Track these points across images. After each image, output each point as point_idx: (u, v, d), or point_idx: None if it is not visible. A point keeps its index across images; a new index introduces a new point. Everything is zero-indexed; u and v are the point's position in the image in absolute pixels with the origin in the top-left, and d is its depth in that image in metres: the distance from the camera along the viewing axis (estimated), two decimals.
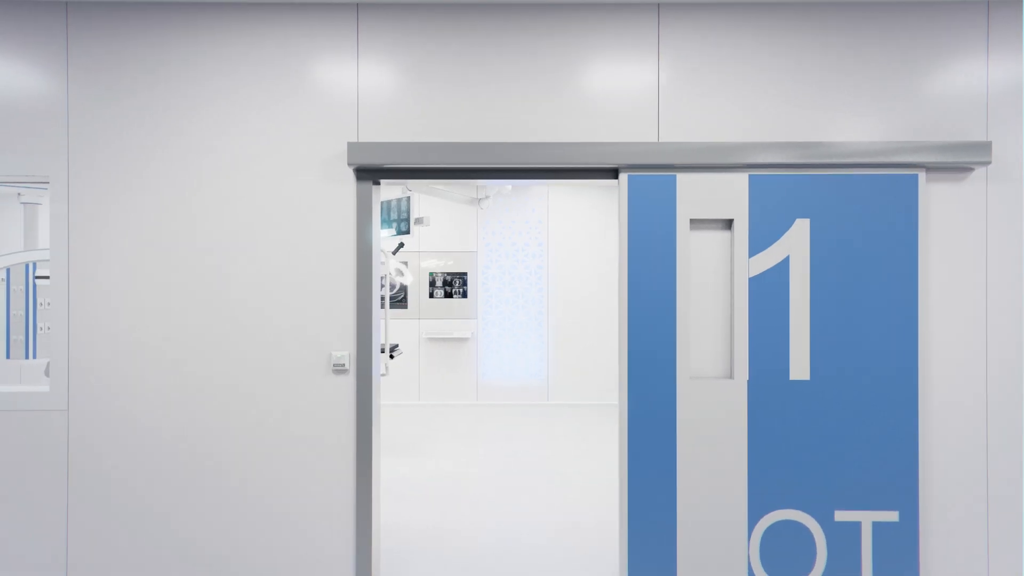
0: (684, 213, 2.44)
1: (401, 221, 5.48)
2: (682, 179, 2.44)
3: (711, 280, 2.48)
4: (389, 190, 5.77)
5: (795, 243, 2.44)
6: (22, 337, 5.16)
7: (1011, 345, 2.49)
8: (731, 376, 2.46)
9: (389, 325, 4.72)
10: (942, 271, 2.49)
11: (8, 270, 4.96)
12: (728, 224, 2.47)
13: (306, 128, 2.47)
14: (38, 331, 5.10)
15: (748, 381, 2.45)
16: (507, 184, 6.17)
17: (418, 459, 4.63)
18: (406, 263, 6.51)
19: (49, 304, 5.21)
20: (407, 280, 6.18)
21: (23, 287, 5.06)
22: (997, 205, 2.47)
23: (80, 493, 2.48)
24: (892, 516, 2.45)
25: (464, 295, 6.73)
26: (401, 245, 5.71)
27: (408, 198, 5.55)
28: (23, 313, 5.12)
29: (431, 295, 6.76)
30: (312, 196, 2.48)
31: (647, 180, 2.45)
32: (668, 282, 2.45)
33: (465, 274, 6.73)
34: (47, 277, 4.84)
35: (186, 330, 2.48)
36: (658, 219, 2.45)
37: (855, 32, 2.47)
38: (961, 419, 2.50)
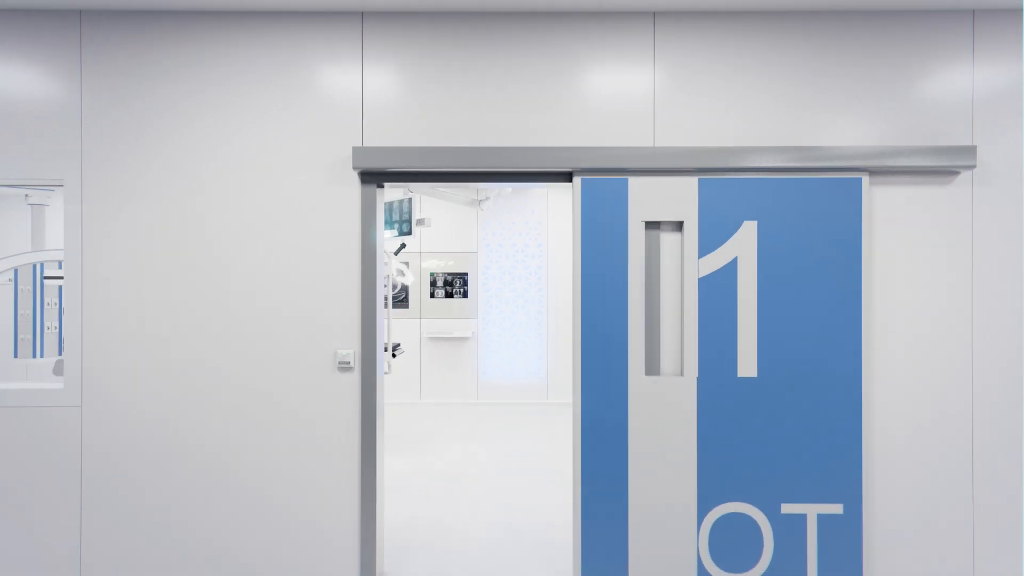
0: (636, 215, 2.52)
1: (403, 222, 5.56)
2: (633, 182, 2.52)
3: (663, 280, 2.55)
4: (391, 191, 5.85)
5: (743, 245, 2.51)
6: (29, 336, 5.23)
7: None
8: (681, 374, 2.54)
9: (391, 324, 4.79)
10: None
11: (16, 270, 5.03)
12: (679, 226, 2.55)
13: (313, 132, 2.55)
14: (45, 331, 5.17)
15: (697, 378, 2.52)
16: (507, 186, 6.25)
17: (420, 456, 4.70)
18: (407, 263, 6.59)
19: (53, 304, 5.27)
20: (408, 280, 6.26)
21: (31, 287, 5.13)
22: (983, 207, 2.54)
23: (93, 488, 2.55)
24: (836, 509, 2.52)
25: (465, 295, 6.81)
26: (403, 246, 5.79)
27: (410, 200, 5.63)
28: (30, 313, 5.19)
29: (432, 295, 6.84)
30: (318, 199, 2.55)
31: (600, 183, 2.52)
32: (620, 283, 2.52)
33: (466, 274, 6.81)
34: (55, 277, 4.92)
35: (195, 328, 2.55)
36: (611, 221, 2.53)
37: (844, 40, 2.55)
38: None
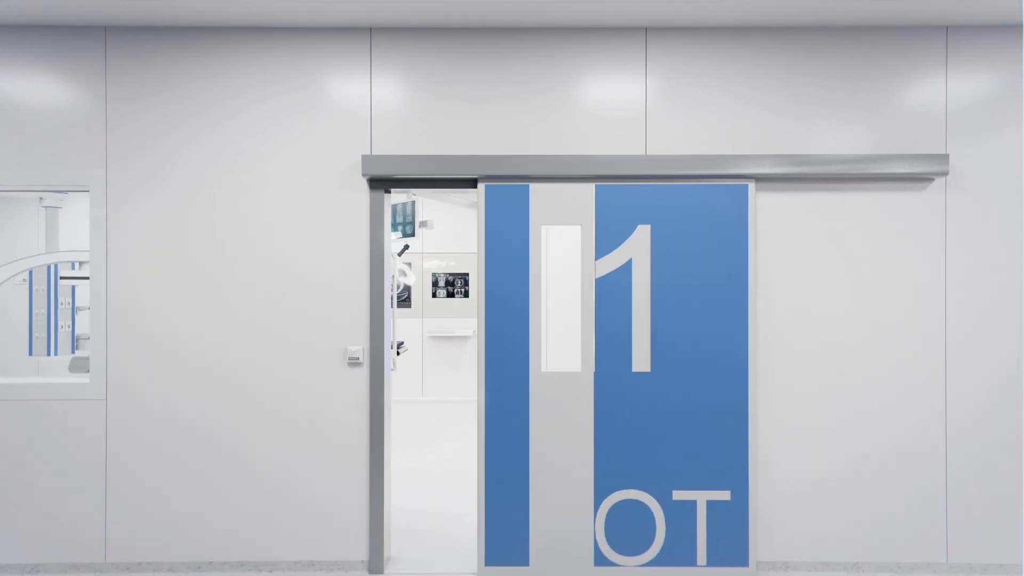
0: (536, 220, 2.68)
1: (407, 224, 5.71)
2: (534, 188, 2.67)
3: (562, 281, 2.70)
4: (395, 194, 6.00)
5: (637, 247, 2.66)
6: (43, 335, 5.38)
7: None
8: (579, 369, 2.69)
9: (395, 323, 4.93)
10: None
11: (31, 271, 5.19)
12: (578, 230, 2.69)
13: (324, 141, 2.70)
14: (59, 329, 5.33)
15: (595, 373, 2.68)
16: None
17: (422, 451, 4.85)
18: (409, 264, 6.75)
19: (66, 303, 5.43)
20: (410, 280, 6.42)
21: (45, 287, 5.28)
22: (956, 212, 2.69)
23: (116, 476, 2.70)
24: (724, 495, 2.66)
25: (466, 295, 6.96)
26: (406, 247, 5.94)
27: (413, 202, 5.78)
28: (44, 312, 5.35)
29: (434, 295, 6.99)
30: (329, 204, 2.70)
31: (503, 189, 2.68)
32: (522, 284, 2.68)
33: (467, 274, 6.96)
34: (72, 277, 5.07)
35: (212, 326, 2.70)
36: (513, 225, 2.68)
37: (824, 54, 2.70)
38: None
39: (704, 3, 2.48)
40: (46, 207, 5.06)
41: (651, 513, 2.67)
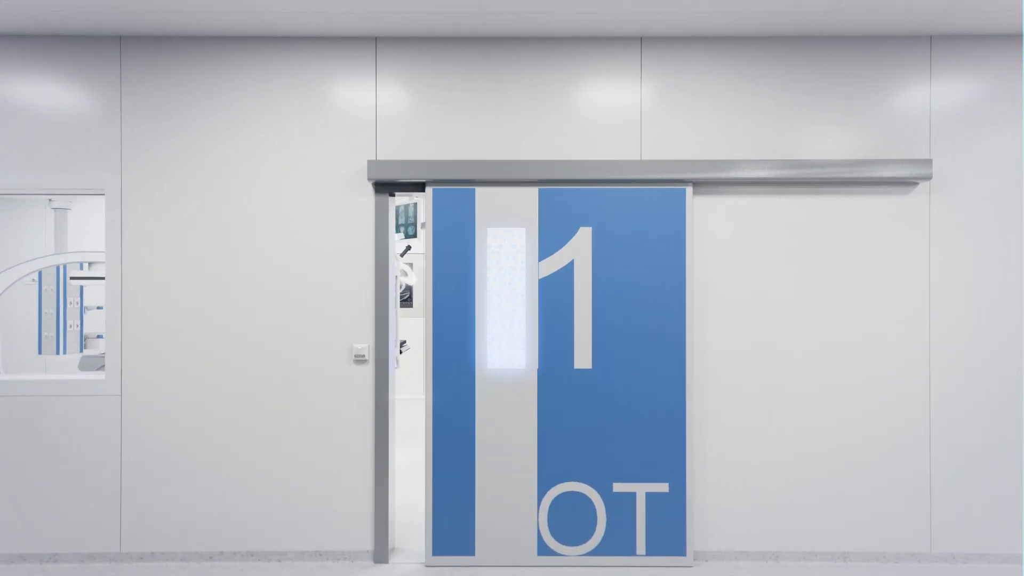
0: (482, 222, 2.78)
1: (408, 225, 5.80)
2: (480, 192, 2.77)
3: (508, 282, 2.82)
4: (398, 197, 6.09)
5: (579, 249, 2.77)
6: (52, 334, 5.48)
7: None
8: (524, 366, 2.79)
9: (398, 323, 5.00)
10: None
11: (40, 271, 5.28)
12: (523, 232, 2.79)
13: (331, 147, 2.80)
14: (68, 328, 5.43)
15: (538, 371, 2.78)
16: None
17: (423, 447, 4.94)
18: (411, 264, 6.84)
19: (75, 303, 5.53)
20: (411, 280, 6.51)
21: (54, 287, 5.38)
22: (939, 215, 2.80)
23: (131, 466, 2.79)
24: (663, 487, 2.76)
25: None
26: (408, 248, 6.04)
27: (415, 204, 5.88)
28: (53, 311, 5.45)
29: None
30: (336, 206, 2.80)
31: (449, 192, 2.78)
32: (468, 284, 2.80)
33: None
34: (81, 278, 5.16)
35: (222, 324, 2.79)
36: (460, 228, 2.78)
37: (815, 63, 2.79)
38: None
39: (697, 14, 2.57)
40: (55, 208, 5.16)
41: (592, 505, 2.76)
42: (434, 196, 2.78)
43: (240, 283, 2.80)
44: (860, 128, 2.79)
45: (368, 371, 2.82)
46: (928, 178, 2.70)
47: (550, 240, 2.77)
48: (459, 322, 2.79)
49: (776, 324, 2.81)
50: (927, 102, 2.78)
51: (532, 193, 2.77)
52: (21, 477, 2.78)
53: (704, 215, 2.80)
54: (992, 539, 2.78)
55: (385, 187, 2.82)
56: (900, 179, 2.72)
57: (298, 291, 2.80)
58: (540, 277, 2.78)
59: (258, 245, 2.80)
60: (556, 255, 2.77)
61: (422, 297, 6.92)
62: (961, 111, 2.78)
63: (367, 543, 2.81)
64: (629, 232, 2.75)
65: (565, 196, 2.76)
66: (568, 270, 2.77)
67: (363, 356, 2.79)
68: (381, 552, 2.80)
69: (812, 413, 2.81)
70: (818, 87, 2.80)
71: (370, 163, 2.74)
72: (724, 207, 2.80)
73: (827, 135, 2.79)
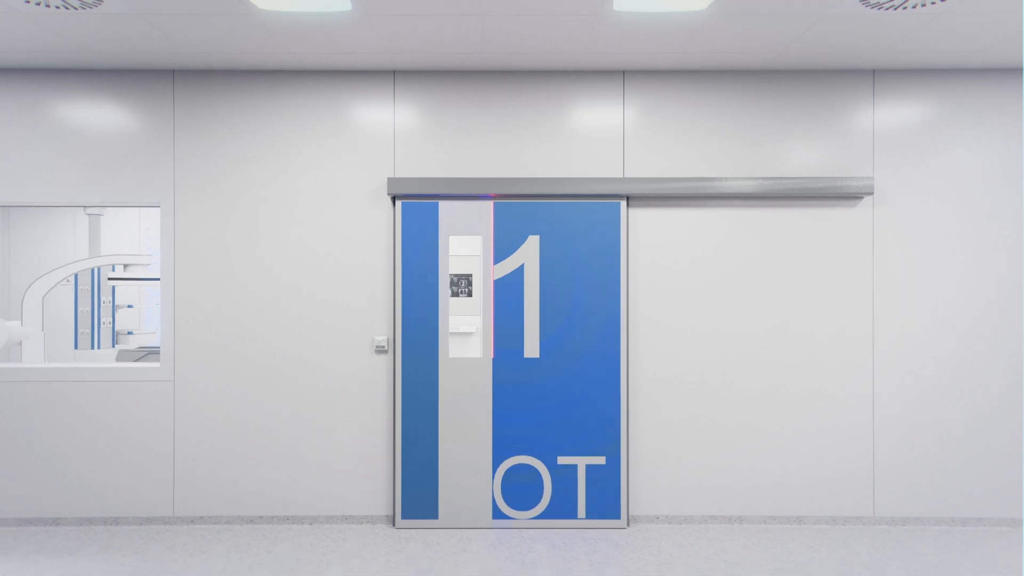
0: (445, 231, 3.20)
1: None
2: (442, 205, 3.19)
3: (468, 282, 3.23)
4: None
5: (528, 254, 3.19)
6: (87, 330, 5.92)
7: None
8: (480, 356, 3.21)
9: None
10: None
11: (76, 273, 5.72)
12: (479, 240, 3.20)
13: (355, 166, 3.22)
14: (101, 325, 5.86)
15: (493, 359, 3.20)
16: None
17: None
18: None
19: (108, 302, 5.96)
20: None
21: (89, 287, 5.82)
22: (883, 226, 3.22)
23: (183, 444, 3.20)
24: (600, 460, 3.17)
25: (469, 294, 7.48)
26: None
27: None
28: (88, 310, 5.89)
29: None
30: (359, 217, 3.22)
31: (416, 205, 3.19)
32: (432, 285, 3.22)
33: (470, 275, 7.48)
34: (119, 278, 5.59)
35: (261, 317, 3.19)
36: (425, 236, 3.19)
37: (775, 94, 3.22)
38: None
39: (673, 52, 2.99)
40: (90, 214, 5.59)
41: (540, 475, 3.18)
42: (403, 208, 3.17)
43: (276, 283, 3.22)
44: (813, 150, 3.22)
45: (387, 360, 3.25)
46: (870, 193, 3.13)
47: (503, 246, 3.19)
48: (425, 317, 3.20)
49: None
50: (871, 126, 3.21)
51: (488, 206, 3.19)
52: (88, 452, 3.21)
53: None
54: (927, 504, 3.21)
55: (401, 199, 3.25)
56: (846, 193, 3.14)
57: (326, 290, 3.22)
58: (495, 278, 3.20)
59: (291, 251, 3.22)
60: (508, 259, 3.19)
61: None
62: (901, 134, 3.21)
63: (387, 508, 3.24)
64: (572, 240, 3.17)
65: (516, 208, 3.18)
66: (519, 272, 3.19)
67: (383, 346, 3.22)
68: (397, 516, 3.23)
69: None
70: (778, 114, 3.22)
71: (389, 180, 3.15)
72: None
73: (788, 154, 3.22)
